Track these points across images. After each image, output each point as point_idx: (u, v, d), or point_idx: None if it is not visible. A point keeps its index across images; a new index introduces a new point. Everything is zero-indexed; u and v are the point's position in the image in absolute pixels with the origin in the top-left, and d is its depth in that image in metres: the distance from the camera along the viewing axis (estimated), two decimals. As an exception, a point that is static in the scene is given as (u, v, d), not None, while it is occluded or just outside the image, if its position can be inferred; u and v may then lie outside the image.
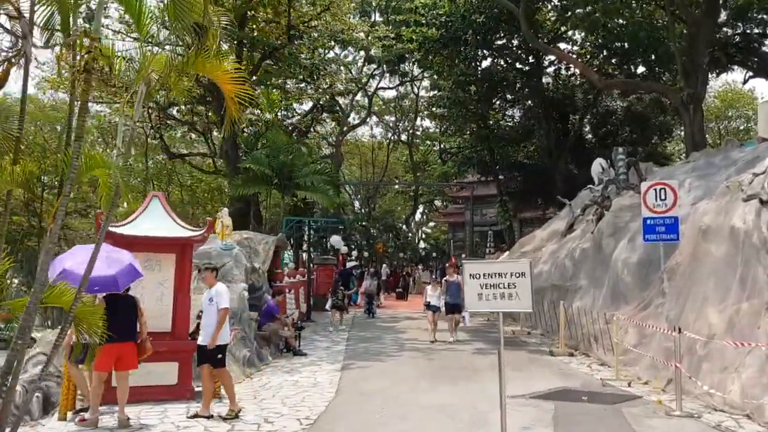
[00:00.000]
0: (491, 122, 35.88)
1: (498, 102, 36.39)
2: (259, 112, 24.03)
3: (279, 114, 27.44)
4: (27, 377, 8.70)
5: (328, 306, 18.47)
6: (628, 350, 10.42)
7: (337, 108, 42.54)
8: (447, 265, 20.07)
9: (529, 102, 34.62)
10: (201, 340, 7.62)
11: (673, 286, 10.21)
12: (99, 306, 6.47)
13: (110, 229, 8.31)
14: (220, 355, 7.55)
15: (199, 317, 8.93)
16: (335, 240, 23.13)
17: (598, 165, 18.67)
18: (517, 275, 6.24)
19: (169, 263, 8.70)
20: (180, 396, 8.34)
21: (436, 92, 38.26)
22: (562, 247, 18.17)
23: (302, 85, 26.37)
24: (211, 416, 7.47)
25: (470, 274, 6.42)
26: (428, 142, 62.12)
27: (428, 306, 15.23)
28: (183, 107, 37.02)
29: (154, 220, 8.71)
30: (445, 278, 15.82)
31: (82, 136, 4.91)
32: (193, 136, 38.37)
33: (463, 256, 36.19)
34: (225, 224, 13.11)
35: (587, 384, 9.65)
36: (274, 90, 23.73)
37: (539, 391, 8.89)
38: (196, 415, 7.48)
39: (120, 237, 8.34)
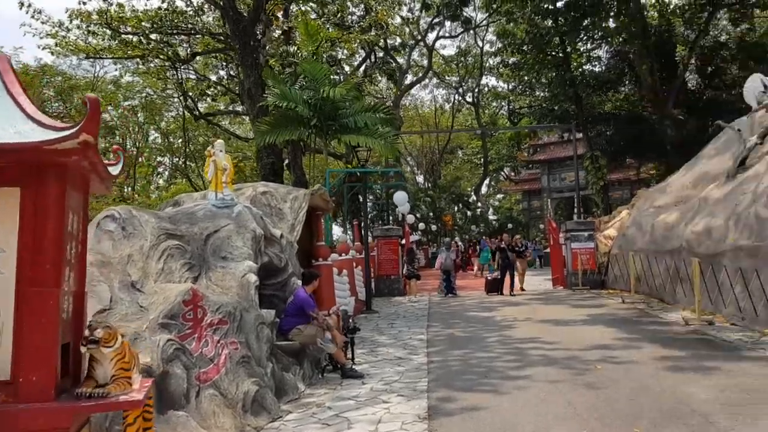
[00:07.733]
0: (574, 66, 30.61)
1: (582, 44, 31.36)
2: (296, 48, 18.86)
3: (323, 55, 22.22)
4: None
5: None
6: None
7: (393, 63, 37.33)
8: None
9: (623, 36, 28.75)
10: None
11: None
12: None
13: None
14: None
15: (90, 328, 3.70)
16: (399, 198, 17.11)
17: (758, 82, 14.62)
18: None
19: (3, 210, 3.46)
20: None
21: (504, 41, 33.39)
22: (733, 193, 12.31)
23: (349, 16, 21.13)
24: None
25: None
26: (494, 104, 56.55)
27: None
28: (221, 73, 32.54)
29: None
30: None
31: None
32: (240, 108, 34.04)
33: (548, 222, 29.94)
34: (220, 166, 7.87)
35: None
36: (312, 16, 18.49)
37: None
38: None
39: None
